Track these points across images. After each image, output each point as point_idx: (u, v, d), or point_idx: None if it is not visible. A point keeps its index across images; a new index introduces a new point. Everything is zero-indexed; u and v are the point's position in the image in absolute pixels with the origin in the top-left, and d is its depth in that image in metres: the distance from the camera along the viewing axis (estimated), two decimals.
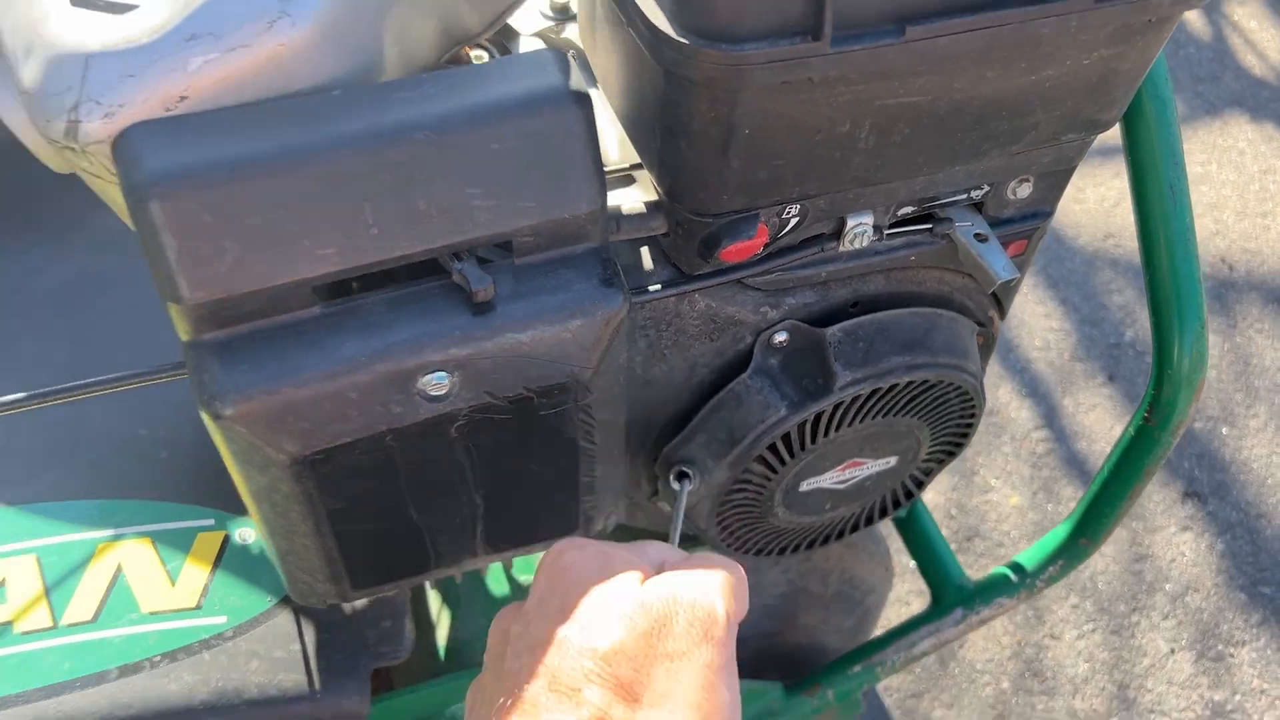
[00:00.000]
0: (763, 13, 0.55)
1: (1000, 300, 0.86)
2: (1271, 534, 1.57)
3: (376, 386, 0.60)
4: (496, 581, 0.95)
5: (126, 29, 0.56)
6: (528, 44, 0.81)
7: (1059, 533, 0.99)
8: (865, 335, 0.78)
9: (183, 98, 0.56)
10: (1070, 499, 1.59)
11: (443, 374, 0.61)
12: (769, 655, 1.13)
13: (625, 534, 0.99)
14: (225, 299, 0.57)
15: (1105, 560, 1.54)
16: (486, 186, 0.60)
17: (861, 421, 0.80)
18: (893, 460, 0.87)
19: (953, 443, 0.89)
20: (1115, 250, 1.88)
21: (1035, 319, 1.81)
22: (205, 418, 0.59)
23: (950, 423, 0.86)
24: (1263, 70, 2.16)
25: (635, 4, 0.58)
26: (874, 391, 0.78)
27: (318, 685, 0.75)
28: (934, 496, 1.59)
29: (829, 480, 0.86)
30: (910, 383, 0.79)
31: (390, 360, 0.60)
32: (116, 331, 0.91)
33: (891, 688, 1.46)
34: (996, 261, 0.75)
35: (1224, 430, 1.67)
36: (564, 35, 0.84)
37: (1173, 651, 1.47)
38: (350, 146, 0.57)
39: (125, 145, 0.55)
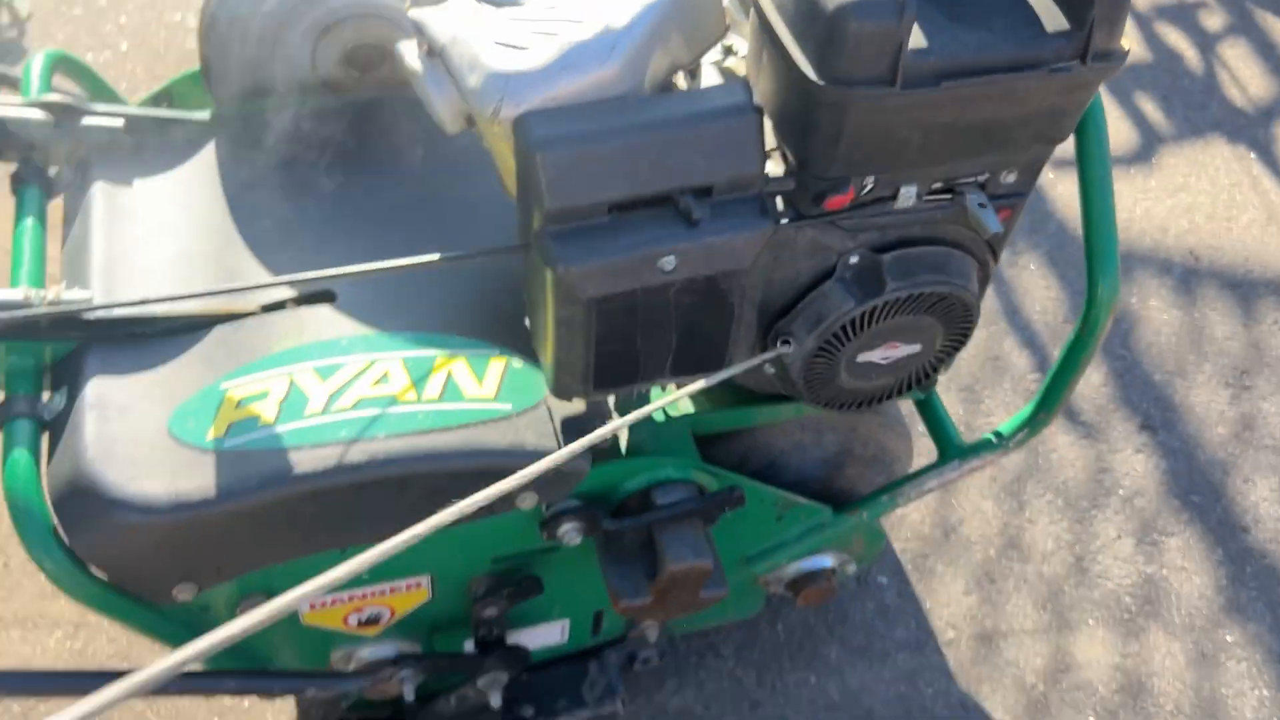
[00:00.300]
0: (865, 71, 1.03)
1: (994, 248, 1.33)
2: (1204, 459, 2.02)
3: (636, 262, 1.09)
4: (657, 414, 1.43)
5: (527, 60, 1.05)
6: (708, 69, 1.29)
7: (1025, 411, 1.46)
8: (906, 260, 1.25)
9: (553, 99, 1.05)
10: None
11: (672, 258, 1.10)
12: (822, 494, 1.61)
13: (732, 391, 1.47)
14: (564, 209, 1.06)
15: (1075, 470, 2.01)
16: (705, 155, 1.08)
17: (899, 316, 1.27)
18: (918, 346, 1.34)
19: (958, 340, 1.36)
20: None
21: (1038, 289, 2.27)
22: (547, 271, 1.08)
23: (956, 324, 1.33)
24: (1243, 102, 2.60)
25: (792, 58, 1.06)
26: (909, 296, 1.25)
27: (561, 448, 1.24)
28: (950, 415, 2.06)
29: (877, 356, 1.33)
30: (933, 293, 1.26)
31: (645, 249, 1.08)
32: (429, 235, 1.40)
33: (906, 550, 1.93)
34: (990, 220, 1.22)
35: (1177, 382, 2.12)
36: (727, 64, 1.32)
37: (1119, 536, 1.93)
38: (638, 130, 1.05)
39: (522, 124, 1.04)
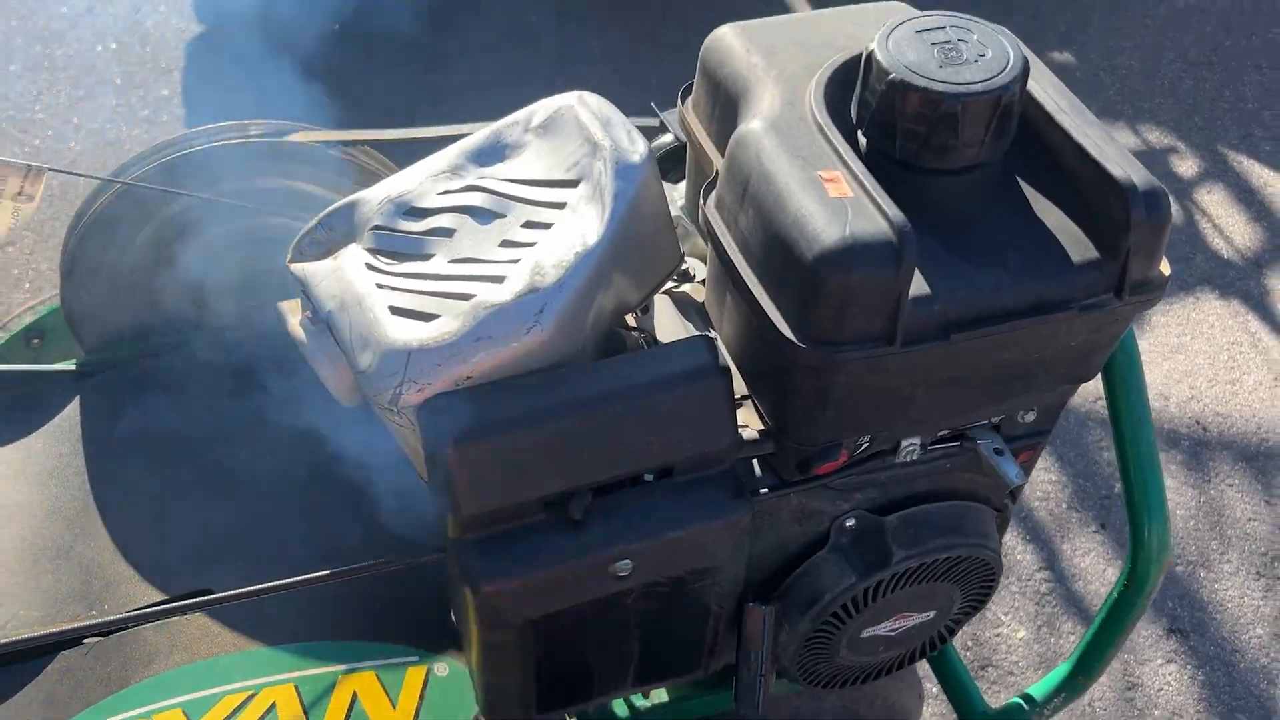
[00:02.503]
0: (855, 330, 0.82)
1: (1013, 493, 1.12)
2: (1245, 667, 1.79)
3: (582, 571, 0.86)
4: (621, 708, 1.18)
5: (433, 332, 0.83)
6: (660, 301, 1.08)
7: (1061, 671, 1.22)
8: (914, 522, 1.03)
9: (468, 378, 0.83)
10: (1069, 632, 1.82)
11: (627, 561, 0.87)
12: None
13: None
14: (485, 512, 0.83)
15: (1102, 689, 1.76)
16: (660, 432, 0.86)
17: (910, 586, 1.05)
18: (932, 613, 1.11)
19: (978, 600, 1.13)
20: (1105, 412, 2.14)
21: (1036, 473, 2.06)
22: (466, 592, 0.84)
23: (976, 585, 1.10)
24: (1230, 253, 2.45)
25: (765, 313, 0.85)
26: (920, 565, 1.03)
27: None
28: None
29: (883, 629, 1.10)
30: (948, 558, 1.04)
31: (595, 554, 0.85)
32: (329, 508, 1.16)
33: None
34: (1010, 469, 1.00)
35: (1201, 573, 1.90)
36: (682, 290, 1.11)
37: None
38: (573, 410, 0.83)
39: (428, 410, 0.82)
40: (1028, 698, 1.25)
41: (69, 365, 1.25)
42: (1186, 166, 2.66)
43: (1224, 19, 3.07)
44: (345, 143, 1.22)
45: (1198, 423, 2.13)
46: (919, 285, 0.84)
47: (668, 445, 0.87)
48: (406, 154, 1.19)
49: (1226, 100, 2.82)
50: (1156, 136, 2.73)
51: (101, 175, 1.17)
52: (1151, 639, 1.83)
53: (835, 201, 0.82)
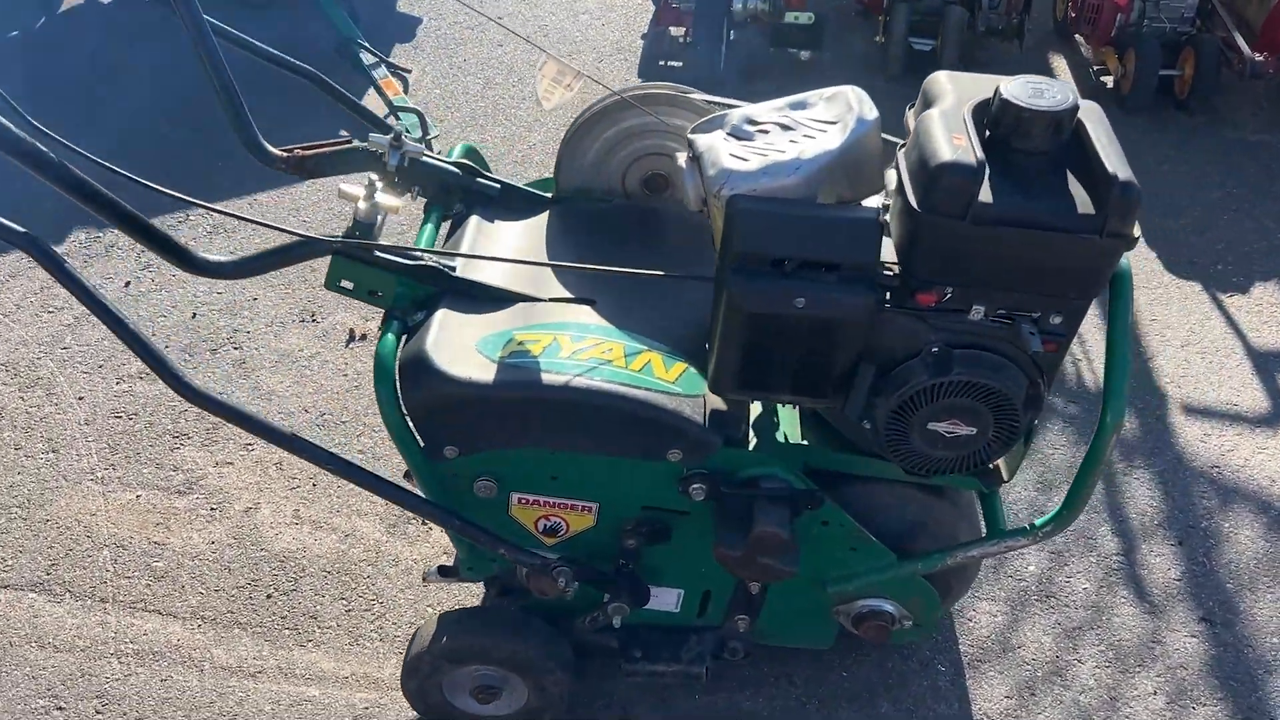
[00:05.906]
0: (949, 208, 1.55)
1: (1042, 371, 1.75)
2: (1251, 657, 2.22)
3: (779, 296, 1.64)
4: (779, 438, 1.92)
5: (744, 167, 1.65)
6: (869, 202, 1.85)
7: (1054, 510, 1.83)
8: (970, 357, 1.70)
9: (754, 190, 1.65)
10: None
11: (802, 299, 1.64)
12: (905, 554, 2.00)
13: (846, 444, 1.94)
14: (746, 253, 1.63)
15: (1132, 633, 2.24)
16: (838, 241, 1.64)
17: (960, 397, 1.71)
18: (974, 430, 1.77)
19: (1005, 436, 1.77)
20: None
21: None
22: (724, 291, 1.64)
23: (1004, 419, 1.74)
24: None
25: (908, 192, 1.60)
26: (967, 382, 1.70)
27: (705, 422, 1.76)
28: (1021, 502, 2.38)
29: (942, 428, 1.77)
30: (986, 385, 1.70)
31: (785, 288, 1.63)
32: (663, 279, 2.00)
33: (968, 652, 2.22)
34: (1033, 341, 1.66)
35: (1245, 593, 2.34)
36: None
37: (1155, 692, 2.15)
38: (801, 214, 1.63)
39: (731, 200, 1.64)
40: (1032, 525, 1.86)
41: (549, 194, 2.19)
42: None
43: None
44: (708, 100, 2.09)
45: (1193, 394, 2.58)
46: (987, 195, 1.56)
47: (836, 250, 1.63)
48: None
49: None
50: None
51: (607, 87, 2.10)
52: (1184, 618, 2.30)
53: (955, 146, 1.57)
